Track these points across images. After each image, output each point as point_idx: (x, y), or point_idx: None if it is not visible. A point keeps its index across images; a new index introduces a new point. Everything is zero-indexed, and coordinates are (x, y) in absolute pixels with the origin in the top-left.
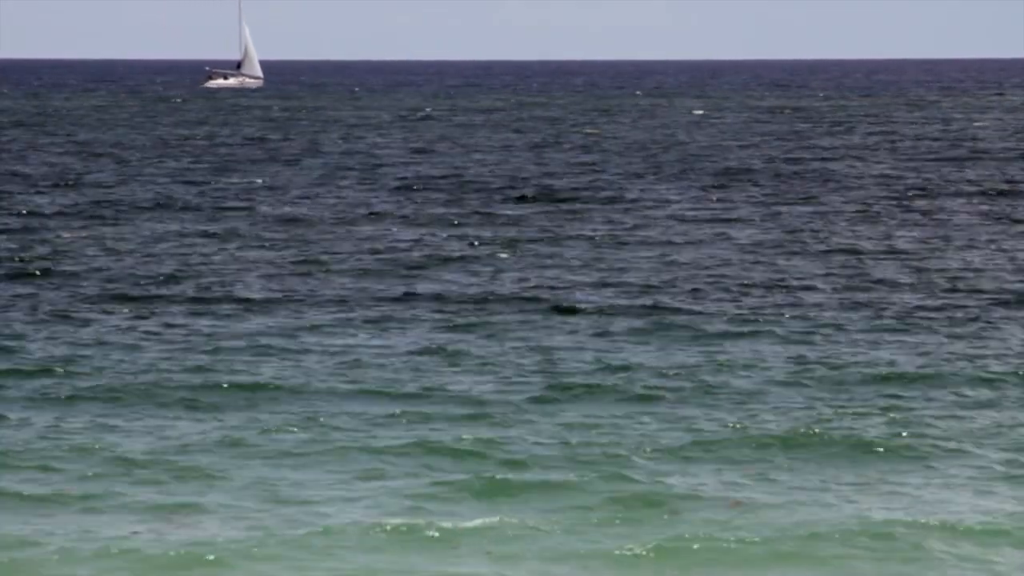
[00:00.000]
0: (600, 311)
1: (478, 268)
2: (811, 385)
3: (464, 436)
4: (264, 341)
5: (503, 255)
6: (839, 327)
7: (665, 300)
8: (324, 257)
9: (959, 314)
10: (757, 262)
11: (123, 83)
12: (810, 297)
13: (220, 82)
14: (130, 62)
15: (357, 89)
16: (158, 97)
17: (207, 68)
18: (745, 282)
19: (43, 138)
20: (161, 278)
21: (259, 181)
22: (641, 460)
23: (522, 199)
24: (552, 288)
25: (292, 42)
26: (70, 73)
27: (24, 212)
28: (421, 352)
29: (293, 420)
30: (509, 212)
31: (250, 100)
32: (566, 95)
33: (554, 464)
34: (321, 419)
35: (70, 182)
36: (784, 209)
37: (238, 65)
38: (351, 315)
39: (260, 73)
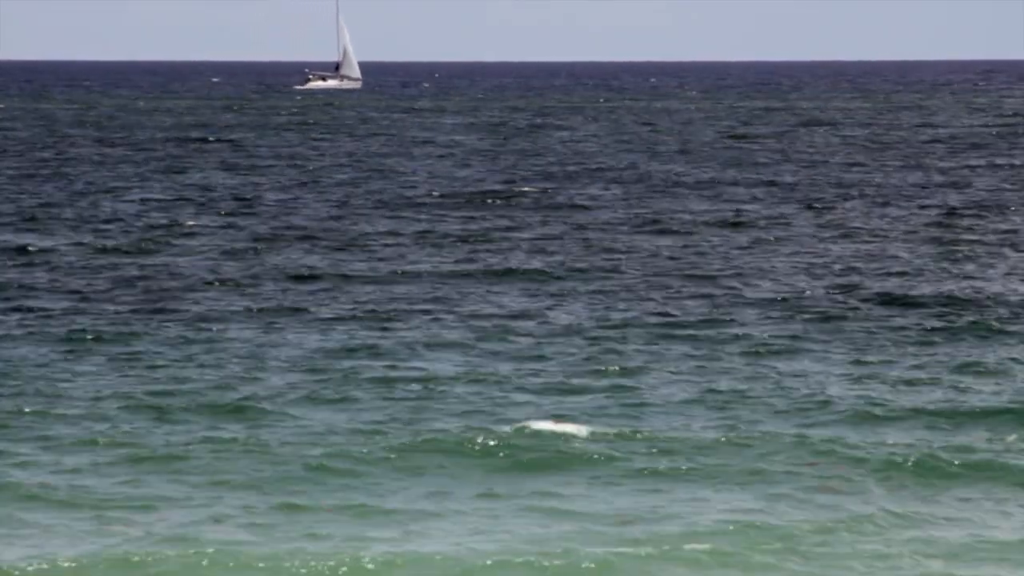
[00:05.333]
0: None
1: None
2: None
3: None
4: None
5: None
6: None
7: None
8: None
9: None
10: None
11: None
12: None
13: (319, 83)
14: (225, 64)
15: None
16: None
17: (306, 70)
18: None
19: None
20: None
21: None
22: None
23: None
24: None
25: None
26: (179, 76)
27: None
28: None
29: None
30: None
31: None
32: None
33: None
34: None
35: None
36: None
37: (336, 67)
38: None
39: (359, 74)
